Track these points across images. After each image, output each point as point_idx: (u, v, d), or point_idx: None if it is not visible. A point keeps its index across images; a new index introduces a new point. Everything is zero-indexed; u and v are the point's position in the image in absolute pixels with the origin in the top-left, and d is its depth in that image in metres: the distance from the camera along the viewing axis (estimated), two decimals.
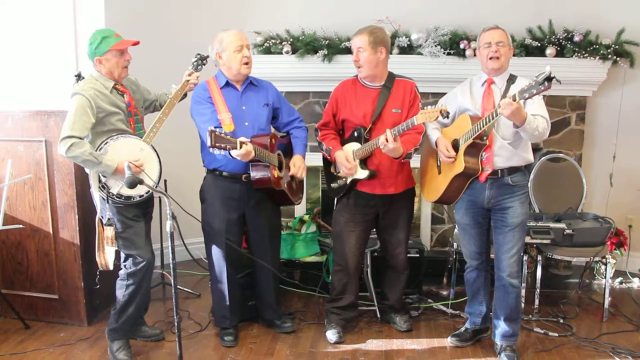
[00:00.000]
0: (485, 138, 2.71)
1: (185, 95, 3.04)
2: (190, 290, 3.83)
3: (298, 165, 3.06)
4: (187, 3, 4.21)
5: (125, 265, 2.83)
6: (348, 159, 2.96)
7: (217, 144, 2.60)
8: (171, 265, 2.33)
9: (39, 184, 3.19)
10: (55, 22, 3.73)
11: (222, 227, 2.99)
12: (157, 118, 2.80)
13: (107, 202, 2.68)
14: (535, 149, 3.37)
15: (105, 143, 2.65)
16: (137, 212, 2.81)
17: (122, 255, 2.82)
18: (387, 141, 2.72)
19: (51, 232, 3.22)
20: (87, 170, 2.74)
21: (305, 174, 3.14)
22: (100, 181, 2.66)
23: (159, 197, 3.04)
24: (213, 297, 3.20)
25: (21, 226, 3.20)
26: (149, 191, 2.73)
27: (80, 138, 2.57)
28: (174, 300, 2.34)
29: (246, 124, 2.95)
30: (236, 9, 4.20)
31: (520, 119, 2.50)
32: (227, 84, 2.97)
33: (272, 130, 3.14)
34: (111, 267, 2.75)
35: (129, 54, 2.78)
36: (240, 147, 2.65)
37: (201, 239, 3.17)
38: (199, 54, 3.10)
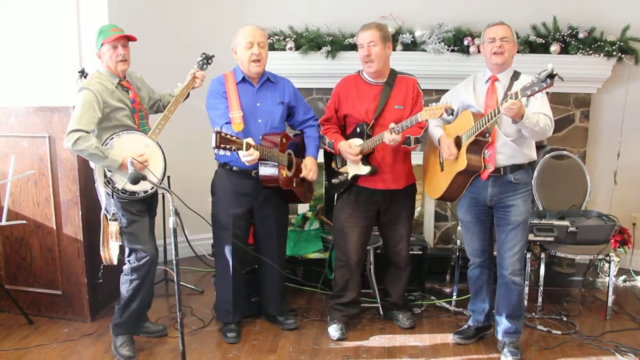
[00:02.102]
0: (487, 135, 2.69)
1: (189, 94, 3.04)
2: (193, 287, 3.83)
3: (309, 168, 3.02)
4: (189, 0, 4.20)
5: (129, 260, 2.85)
6: (351, 146, 2.95)
7: (221, 145, 2.58)
8: (174, 262, 2.33)
9: (43, 180, 3.19)
10: (58, 18, 3.72)
11: (229, 221, 2.99)
12: (163, 115, 2.81)
13: (112, 197, 2.69)
14: (539, 146, 3.36)
15: (111, 138, 2.66)
16: (142, 208, 2.82)
17: (126, 250, 2.84)
18: (391, 136, 2.74)
19: (55, 228, 3.22)
20: (92, 165, 2.75)
21: (317, 176, 3.09)
22: (105, 176, 2.67)
23: (163, 193, 3.04)
24: (217, 292, 3.21)
25: (24, 222, 3.21)
26: (153, 187, 2.74)
27: (87, 132, 2.58)
28: (176, 297, 2.34)
29: (259, 121, 2.94)
30: (239, 6, 4.19)
31: (519, 115, 2.49)
32: (244, 79, 2.95)
33: (286, 128, 3.12)
34: (115, 262, 2.76)
35: (126, 49, 2.75)
36: (247, 148, 2.65)
37: (204, 235, 3.18)
38: (204, 53, 3.08)
